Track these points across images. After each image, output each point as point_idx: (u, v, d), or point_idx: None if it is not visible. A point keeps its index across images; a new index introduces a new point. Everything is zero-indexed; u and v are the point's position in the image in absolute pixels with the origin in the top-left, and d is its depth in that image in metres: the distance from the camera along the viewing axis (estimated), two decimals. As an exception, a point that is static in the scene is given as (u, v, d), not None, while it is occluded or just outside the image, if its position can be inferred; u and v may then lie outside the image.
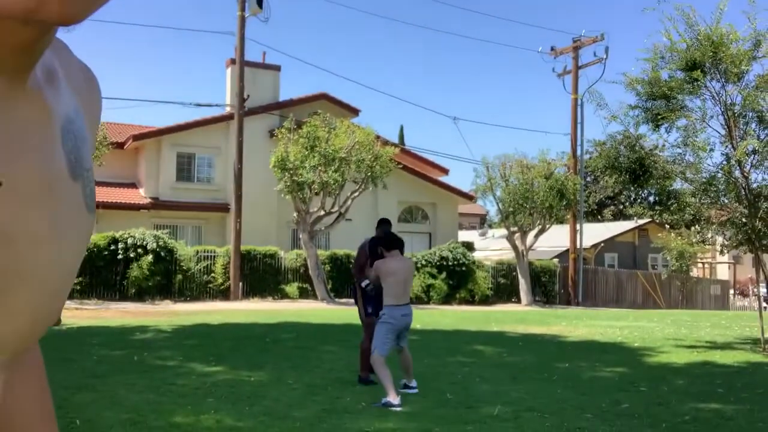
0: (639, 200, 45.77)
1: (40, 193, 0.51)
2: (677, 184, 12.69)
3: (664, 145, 12.32)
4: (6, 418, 0.60)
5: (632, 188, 13.94)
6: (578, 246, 27.73)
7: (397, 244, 6.78)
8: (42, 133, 0.52)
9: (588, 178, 48.06)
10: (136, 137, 24.67)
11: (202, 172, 25.92)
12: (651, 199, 46.06)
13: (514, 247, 25.03)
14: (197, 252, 21.25)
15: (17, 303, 0.51)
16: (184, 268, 20.54)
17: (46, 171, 0.52)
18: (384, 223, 7.42)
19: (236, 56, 22.19)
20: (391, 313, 6.41)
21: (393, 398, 6.00)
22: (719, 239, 13.57)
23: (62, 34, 0.53)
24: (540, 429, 5.28)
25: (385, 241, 6.82)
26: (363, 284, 7.17)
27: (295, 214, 21.70)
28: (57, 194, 0.53)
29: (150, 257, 19.41)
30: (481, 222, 57.72)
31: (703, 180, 11.83)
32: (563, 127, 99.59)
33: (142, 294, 19.51)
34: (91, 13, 0.46)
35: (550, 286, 27.11)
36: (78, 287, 19.12)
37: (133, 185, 25.86)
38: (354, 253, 23.18)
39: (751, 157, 11.34)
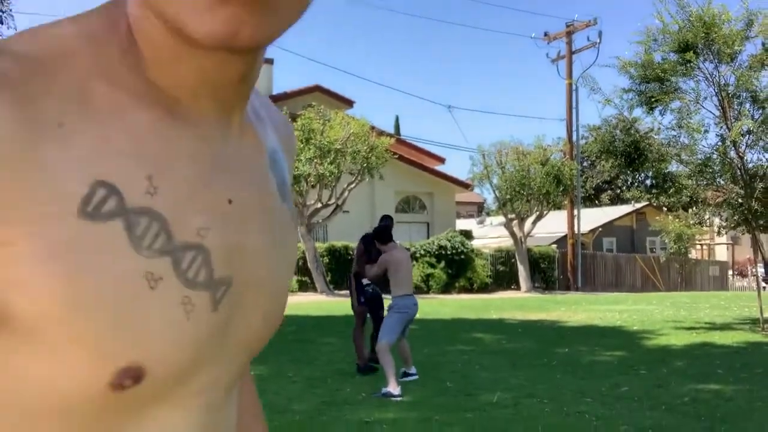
0: (636, 184, 45.78)
1: (260, 212, 0.60)
2: (673, 167, 12.69)
3: (659, 128, 12.30)
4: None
5: (628, 172, 13.93)
6: (576, 231, 27.74)
7: (390, 235, 6.78)
8: (258, 161, 0.62)
9: (584, 163, 48.06)
10: (131, 135, 24.59)
11: (197, 168, 25.87)
12: (648, 182, 46.14)
13: (512, 234, 25.04)
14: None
15: (251, 307, 0.59)
16: (183, 264, 20.52)
17: (264, 193, 0.62)
18: (385, 219, 7.40)
19: (228, 50, 22.09)
20: (404, 302, 6.46)
21: (393, 388, 6.05)
22: (716, 220, 13.58)
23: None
24: (539, 415, 5.29)
25: (380, 235, 6.78)
26: (364, 282, 7.31)
27: (292, 208, 21.67)
28: (272, 213, 0.62)
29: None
30: (479, 210, 57.77)
31: (699, 161, 11.81)
32: (558, 113, 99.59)
33: (141, 291, 19.49)
34: (279, 36, 0.52)
35: (549, 272, 27.14)
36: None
37: (129, 183, 25.80)
38: (352, 244, 23.26)
39: (746, 138, 11.33)
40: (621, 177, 45.19)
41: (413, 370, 6.92)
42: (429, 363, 7.96)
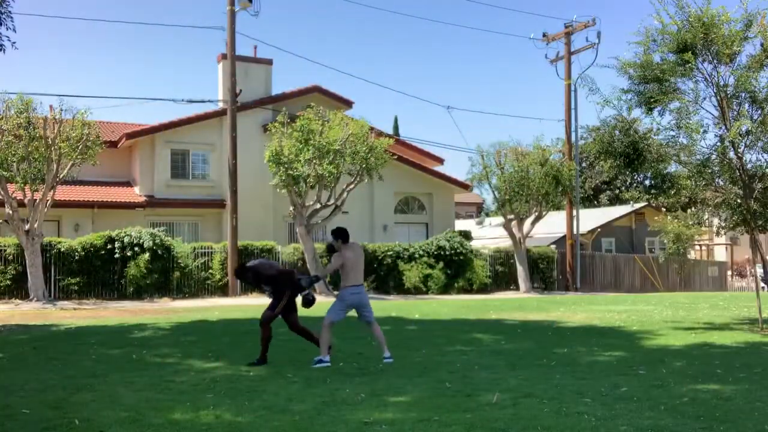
0: (635, 184, 45.84)
1: None
2: (672, 167, 12.69)
3: (657, 129, 12.30)
4: None
5: (627, 173, 13.93)
6: (575, 232, 27.74)
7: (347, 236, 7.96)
8: None
9: (583, 164, 48.10)
10: (130, 135, 24.58)
11: (196, 168, 25.86)
12: (647, 183, 46.22)
13: (512, 235, 25.03)
14: (194, 249, 21.22)
15: None
16: (182, 265, 20.51)
17: None
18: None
19: (227, 51, 22.09)
20: (345, 292, 7.83)
21: (324, 356, 7.66)
22: (715, 221, 13.58)
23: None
24: (538, 415, 5.28)
25: (342, 235, 7.89)
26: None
27: (291, 208, 21.68)
28: None
29: (147, 255, 19.38)
30: (478, 211, 57.79)
31: (698, 162, 11.81)
32: (557, 114, 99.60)
33: (140, 292, 19.49)
34: None
35: (548, 272, 27.14)
36: (76, 287, 19.11)
37: (128, 184, 25.79)
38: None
39: (745, 138, 11.33)
40: (620, 177, 45.25)
41: (388, 353, 7.89)
42: (428, 363, 7.95)
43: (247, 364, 7.78)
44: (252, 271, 8.08)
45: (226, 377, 7.02)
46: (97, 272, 19.47)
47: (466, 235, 26.53)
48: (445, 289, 23.30)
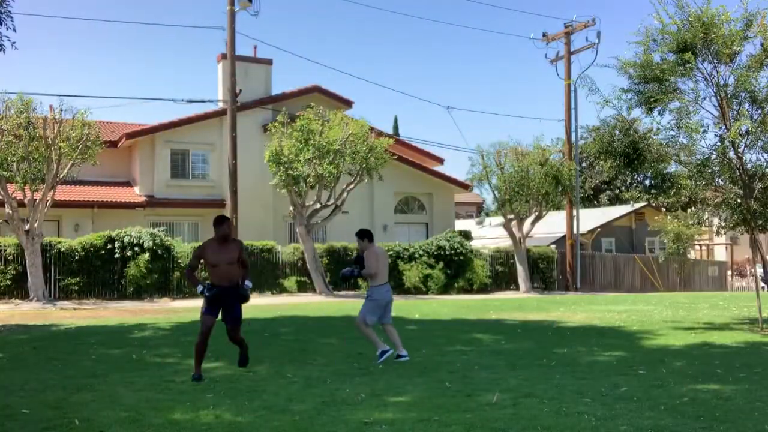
0: (635, 184, 45.84)
1: None
2: (672, 167, 12.68)
3: (657, 129, 12.29)
4: None
5: (627, 172, 13.91)
6: (575, 232, 27.74)
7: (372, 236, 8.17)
8: None
9: (583, 164, 48.10)
10: (129, 135, 24.57)
11: (196, 168, 25.85)
12: (647, 182, 46.23)
13: (512, 235, 25.02)
14: (194, 249, 21.17)
15: None
16: (182, 265, 20.49)
17: None
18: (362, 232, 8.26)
19: (227, 51, 22.09)
20: (378, 290, 7.98)
21: (383, 347, 7.88)
22: (715, 221, 13.58)
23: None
24: (539, 415, 5.28)
25: (367, 235, 8.06)
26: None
27: (291, 208, 21.68)
28: None
29: (147, 255, 19.37)
30: (478, 210, 57.78)
31: (698, 162, 11.80)
32: (557, 114, 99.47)
33: (140, 292, 19.48)
34: None
35: (548, 272, 27.13)
36: (76, 287, 19.10)
37: (128, 184, 25.79)
38: (351, 245, 23.16)
39: (745, 138, 11.32)
40: (620, 177, 45.25)
41: (404, 352, 8.04)
42: (428, 363, 7.95)
43: (241, 365, 7.60)
44: (235, 242, 7.87)
45: (226, 377, 7.02)
46: (97, 272, 19.46)
47: (466, 235, 26.52)
48: (445, 289, 23.29)
